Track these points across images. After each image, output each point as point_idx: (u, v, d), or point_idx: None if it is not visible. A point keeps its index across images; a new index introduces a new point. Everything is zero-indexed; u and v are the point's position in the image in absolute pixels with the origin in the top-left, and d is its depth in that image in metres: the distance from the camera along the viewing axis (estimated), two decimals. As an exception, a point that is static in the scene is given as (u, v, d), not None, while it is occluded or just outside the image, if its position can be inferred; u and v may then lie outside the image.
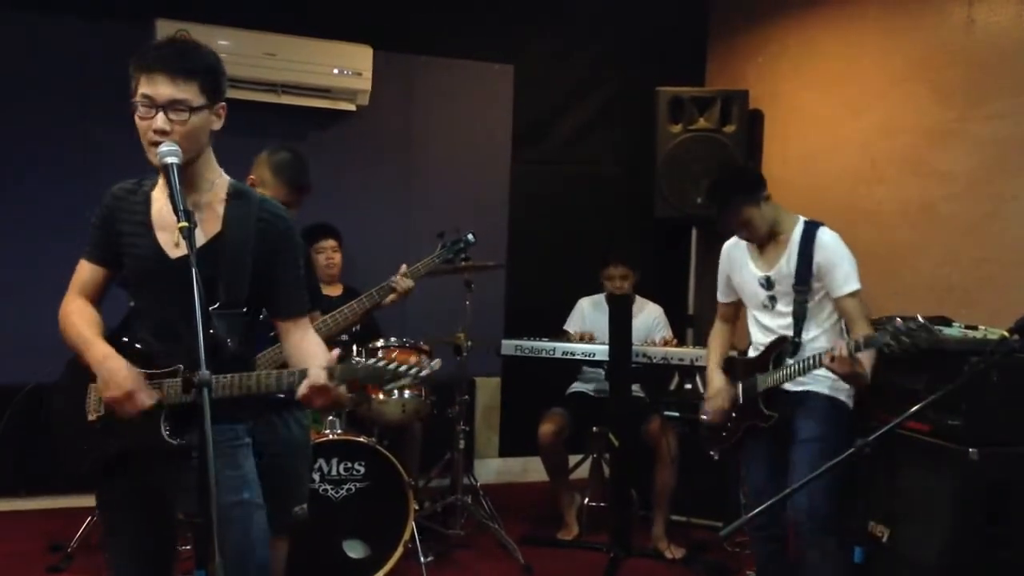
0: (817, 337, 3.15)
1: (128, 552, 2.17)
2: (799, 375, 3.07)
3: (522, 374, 5.09)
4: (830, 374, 2.98)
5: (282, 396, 2.57)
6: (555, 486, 4.58)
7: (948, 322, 3.37)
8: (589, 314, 4.70)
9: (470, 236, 3.87)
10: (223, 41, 4.41)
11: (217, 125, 2.06)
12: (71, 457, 2.14)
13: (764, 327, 3.27)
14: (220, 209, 2.09)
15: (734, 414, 3.29)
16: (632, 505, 4.44)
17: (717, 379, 3.38)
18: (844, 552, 3.09)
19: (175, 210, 1.88)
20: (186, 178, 2.01)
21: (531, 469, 5.14)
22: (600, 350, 4.26)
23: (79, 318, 2.10)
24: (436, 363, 1.97)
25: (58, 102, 4.53)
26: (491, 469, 5.47)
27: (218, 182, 2.12)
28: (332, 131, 5.02)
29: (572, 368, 4.68)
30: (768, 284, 3.22)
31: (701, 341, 4.61)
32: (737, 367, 3.36)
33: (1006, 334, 2.42)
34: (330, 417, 3.70)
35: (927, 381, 3.13)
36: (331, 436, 3.63)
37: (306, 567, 3.42)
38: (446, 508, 4.43)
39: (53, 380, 2.22)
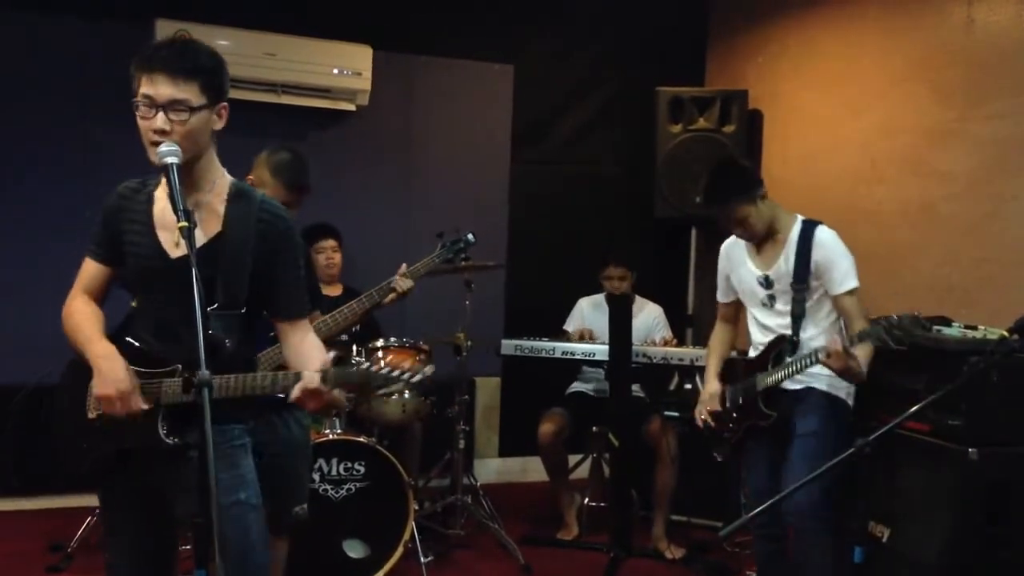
0: (816, 336, 3.15)
1: (128, 552, 2.17)
2: (797, 373, 3.07)
3: (522, 374, 5.09)
4: (828, 371, 2.99)
5: (282, 396, 2.57)
6: (555, 486, 4.58)
7: (948, 322, 3.37)
8: (589, 314, 4.70)
9: (470, 236, 3.87)
10: (223, 41, 4.40)
11: (219, 125, 2.06)
12: (72, 456, 2.14)
13: (763, 326, 3.27)
14: (221, 209, 2.09)
15: (735, 414, 3.29)
16: (632, 505, 4.44)
17: (710, 385, 3.40)
18: (842, 550, 3.10)
19: (175, 210, 1.88)
20: (187, 178, 2.02)
21: (531, 469, 5.14)
22: (600, 350, 4.26)
23: (81, 316, 2.12)
24: (429, 369, 1.97)
25: (58, 102, 4.53)
26: (491, 469, 5.47)
27: (220, 182, 2.12)
28: (332, 131, 5.02)
29: (572, 368, 4.68)
30: (767, 283, 3.22)
31: (701, 341, 4.62)
32: (738, 368, 3.37)
33: (1006, 334, 2.43)
34: (333, 415, 3.70)
35: (927, 381, 3.13)
36: (331, 436, 3.63)
37: (306, 567, 3.42)
38: (446, 508, 4.43)
39: (53, 380, 2.22)
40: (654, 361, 4.28)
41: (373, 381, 1.95)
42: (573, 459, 4.69)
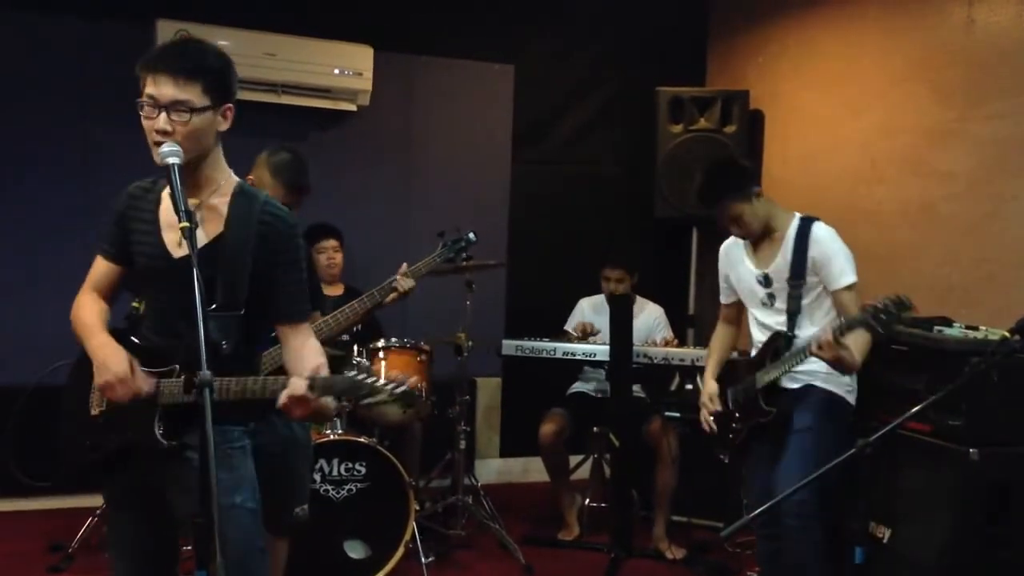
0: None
1: (129, 552, 2.18)
2: (793, 368, 3.07)
3: (523, 374, 5.09)
4: (825, 368, 2.99)
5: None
6: (556, 486, 4.58)
7: (949, 322, 3.37)
8: (589, 315, 4.70)
9: (471, 235, 3.87)
10: (223, 41, 4.39)
11: (224, 127, 2.06)
12: (74, 452, 2.16)
13: (763, 325, 3.27)
14: (225, 210, 2.09)
15: (737, 415, 3.29)
16: (633, 505, 4.44)
17: (708, 386, 3.40)
18: (838, 549, 3.10)
19: (176, 210, 1.88)
20: (191, 178, 2.03)
21: (532, 469, 5.14)
22: (601, 350, 4.26)
23: (85, 311, 2.14)
24: (413, 380, 1.97)
25: (58, 102, 4.53)
26: (492, 469, 5.47)
27: (225, 183, 2.12)
28: (332, 131, 5.02)
29: (573, 368, 4.68)
30: (766, 281, 3.22)
31: (702, 341, 4.62)
32: (740, 368, 3.37)
33: (1007, 334, 2.43)
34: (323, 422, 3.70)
35: (927, 381, 3.14)
36: (332, 436, 3.63)
37: (307, 567, 3.42)
38: (447, 508, 4.43)
39: (54, 380, 2.23)
40: (655, 361, 4.28)
41: (359, 390, 1.94)
42: (574, 459, 4.70)
